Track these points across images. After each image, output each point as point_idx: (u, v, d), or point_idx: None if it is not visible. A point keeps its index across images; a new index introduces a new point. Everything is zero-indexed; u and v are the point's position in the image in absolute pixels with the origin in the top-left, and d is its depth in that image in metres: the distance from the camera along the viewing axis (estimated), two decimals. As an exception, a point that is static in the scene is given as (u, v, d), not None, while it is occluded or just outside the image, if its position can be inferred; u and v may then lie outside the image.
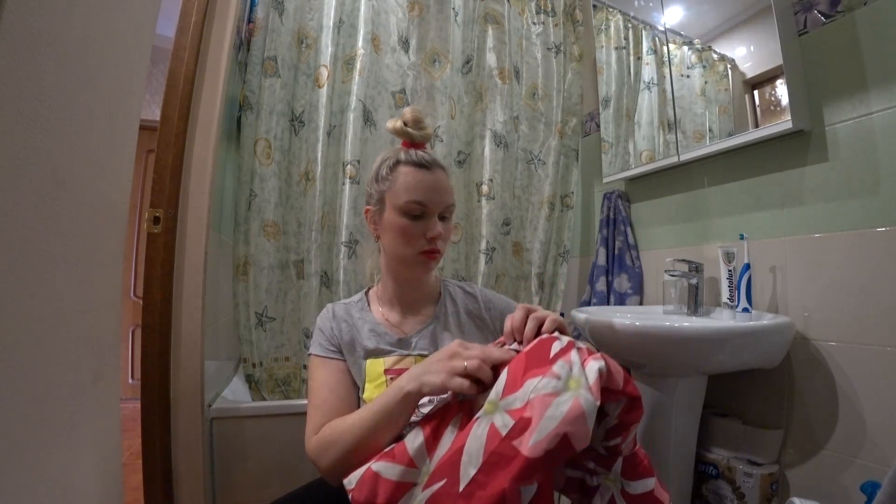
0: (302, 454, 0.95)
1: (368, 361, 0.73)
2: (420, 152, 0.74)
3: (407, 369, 0.68)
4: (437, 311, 0.79)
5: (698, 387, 1.01)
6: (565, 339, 0.52)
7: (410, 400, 0.57)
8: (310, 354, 0.75)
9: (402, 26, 1.42)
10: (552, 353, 0.50)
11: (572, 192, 1.65)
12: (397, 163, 0.73)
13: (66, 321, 0.45)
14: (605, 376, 0.47)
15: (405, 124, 0.75)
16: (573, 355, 0.49)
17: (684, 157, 1.22)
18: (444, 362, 0.55)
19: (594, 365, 0.47)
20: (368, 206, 0.77)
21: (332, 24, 1.32)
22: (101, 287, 0.54)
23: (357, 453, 0.58)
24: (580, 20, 1.70)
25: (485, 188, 1.50)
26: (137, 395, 0.90)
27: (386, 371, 0.71)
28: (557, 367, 0.47)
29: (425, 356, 0.72)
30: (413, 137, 0.75)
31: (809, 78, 0.98)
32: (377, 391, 0.68)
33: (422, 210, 0.71)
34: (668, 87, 1.28)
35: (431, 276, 0.81)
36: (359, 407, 0.70)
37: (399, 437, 0.56)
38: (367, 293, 0.83)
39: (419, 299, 0.79)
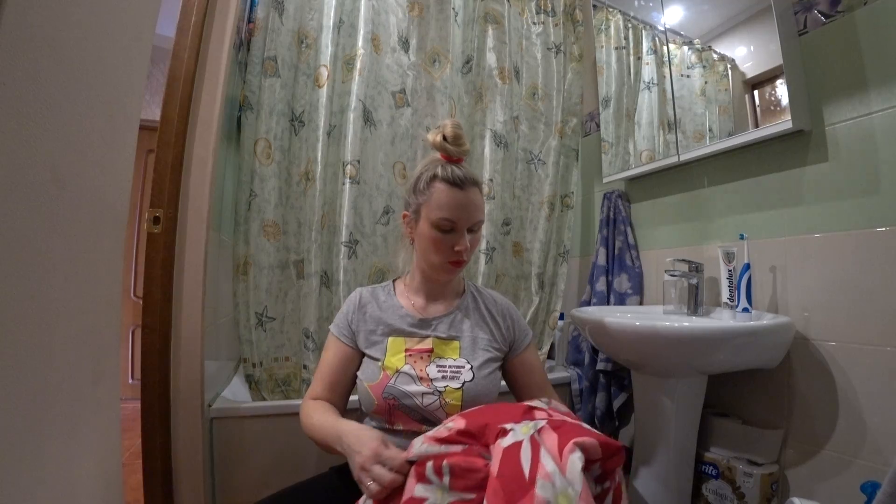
0: (302, 454, 0.96)
1: (391, 339, 0.81)
2: (457, 169, 0.79)
3: (427, 350, 0.79)
4: (461, 304, 0.87)
5: (698, 387, 1.01)
6: (522, 434, 0.52)
7: (337, 451, 0.69)
8: (329, 327, 0.86)
9: (402, 26, 1.41)
10: (526, 470, 0.48)
11: (572, 192, 1.65)
12: (434, 177, 0.79)
13: (66, 321, 0.45)
14: (585, 461, 0.47)
15: (444, 139, 0.79)
16: (545, 460, 0.48)
17: (684, 157, 1.22)
18: (364, 464, 0.62)
19: (576, 463, 0.47)
20: (406, 212, 0.85)
21: (332, 24, 1.32)
22: (101, 287, 0.54)
23: (312, 440, 0.76)
24: (580, 20, 1.70)
25: (485, 188, 1.49)
26: (137, 395, 0.90)
27: (407, 350, 0.80)
28: (540, 490, 0.46)
29: (443, 339, 0.81)
30: (451, 153, 0.80)
31: (809, 78, 0.98)
32: (398, 364, 0.78)
33: (452, 226, 0.78)
34: (668, 87, 1.28)
35: (457, 276, 0.89)
36: (352, 386, 0.83)
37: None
38: (394, 282, 0.92)
39: (444, 293, 0.88)
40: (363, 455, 0.62)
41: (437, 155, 0.82)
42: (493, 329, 0.86)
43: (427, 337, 0.81)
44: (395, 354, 0.79)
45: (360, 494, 0.63)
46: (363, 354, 0.82)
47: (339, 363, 0.82)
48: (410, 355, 0.78)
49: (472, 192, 0.79)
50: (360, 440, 0.65)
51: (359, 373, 0.81)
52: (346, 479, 0.78)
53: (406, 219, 0.85)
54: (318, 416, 0.75)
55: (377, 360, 0.79)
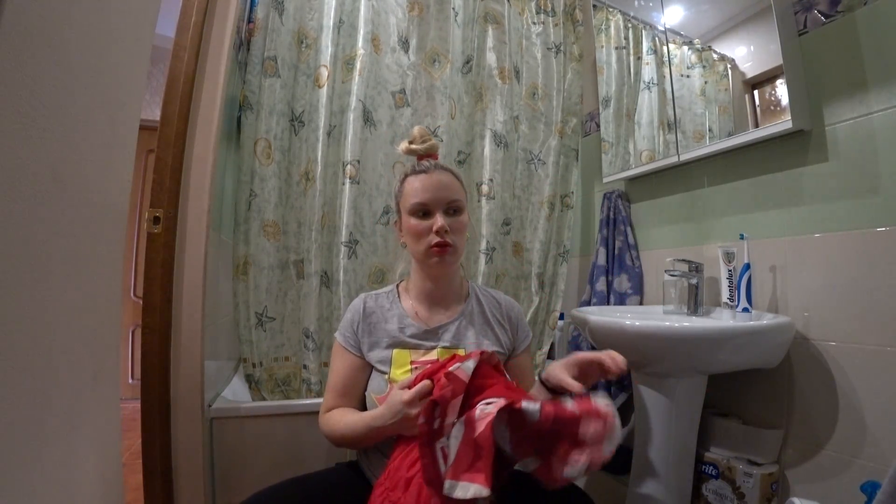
0: (303, 454, 0.96)
1: (396, 351, 0.79)
2: (424, 162, 0.84)
3: (433, 360, 0.77)
4: (465, 309, 0.86)
5: (698, 387, 1.01)
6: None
7: (380, 435, 0.70)
8: (335, 336, 0.85)
9: (402, 26, 1.41)
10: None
11: (572, 192, 1.65)
12: (405, 176, 0.84)
13: (66, 321, 0.45)
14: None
15: (411, 142, 0.86)
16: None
17: (684, 157, 1.22)
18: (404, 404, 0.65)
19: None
20: (397, 220, 0.88)
21: (332, 24, 1.32)
22: (101, 287, 0.54)
23: (344, 444, 0.78)
24: (580, 20, 1.70)
25: (485, 188, 1.49)
26: (137, 395, 0.89)
27: (412, 362, 0.78)
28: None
29: (448, 348, 0.81)
30: (418, 151, 0.86)
31: (809, 78, 0.98)
32: (404, 376, 0.75)
33: (425, 209, 0.80)
34: (668, 86, 1.28)
35: (457, 277, 0.88)
36: (364, 393, 0.81)
37: None
38: (397, 286, 0.91)
39: (447, 296, 0.87)
40: (397, 401, 0.66)
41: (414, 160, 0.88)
42: (499, 334, 0.86)
43: (432, 348, 0.80)
44: (400, 367, 0.78)
45: (359, 491, 0.63)
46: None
47: (350, 373, 0.81)
48: (416, 367, 0.77)
49: (439, 174, 0.81)
50: (390, 403, 0.68)
51: (369, 385, 0.81)
52: (353, 474, 0.78)
53: (396, 225, 0.88)
54: (344, 418, 0.76)
55: (384, 372, 0.78)
